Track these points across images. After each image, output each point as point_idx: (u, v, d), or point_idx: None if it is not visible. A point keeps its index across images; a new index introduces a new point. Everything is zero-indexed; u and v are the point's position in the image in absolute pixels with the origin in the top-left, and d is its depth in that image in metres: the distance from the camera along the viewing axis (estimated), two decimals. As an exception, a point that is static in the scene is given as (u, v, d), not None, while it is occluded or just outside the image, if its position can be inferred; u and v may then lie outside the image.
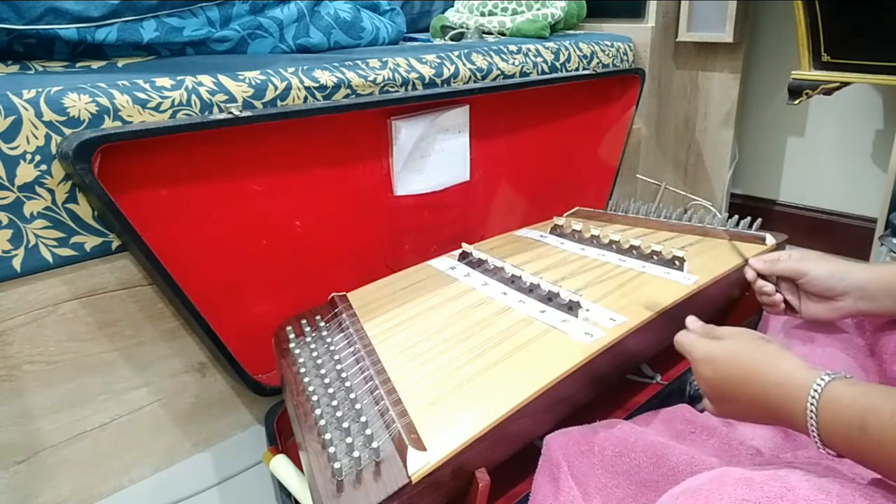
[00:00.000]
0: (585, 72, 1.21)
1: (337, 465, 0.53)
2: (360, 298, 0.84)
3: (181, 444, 0.80)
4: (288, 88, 0.80)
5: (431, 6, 1.52)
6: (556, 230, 1.06)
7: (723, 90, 1.55)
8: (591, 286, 0.82)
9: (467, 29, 1.30)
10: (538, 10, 1.32)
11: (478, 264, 0.91)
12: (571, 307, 0.74)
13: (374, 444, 0.54)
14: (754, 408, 0.51)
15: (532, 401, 0.60)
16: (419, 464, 0.52)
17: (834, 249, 1.56)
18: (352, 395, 0.62)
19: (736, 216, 1.00)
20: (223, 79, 0.75)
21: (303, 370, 0.69)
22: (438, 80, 0.98)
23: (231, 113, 0.71)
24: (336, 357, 0.70)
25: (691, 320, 0.62)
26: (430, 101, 0.92)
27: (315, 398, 0.63)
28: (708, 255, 0.90)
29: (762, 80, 1.60)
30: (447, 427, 0.57)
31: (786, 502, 0.39)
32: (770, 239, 0.93)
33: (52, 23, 0.71)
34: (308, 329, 0.78)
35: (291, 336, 0.76)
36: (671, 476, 0.56)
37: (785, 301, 0.73)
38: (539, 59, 1.16)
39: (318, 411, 0.61)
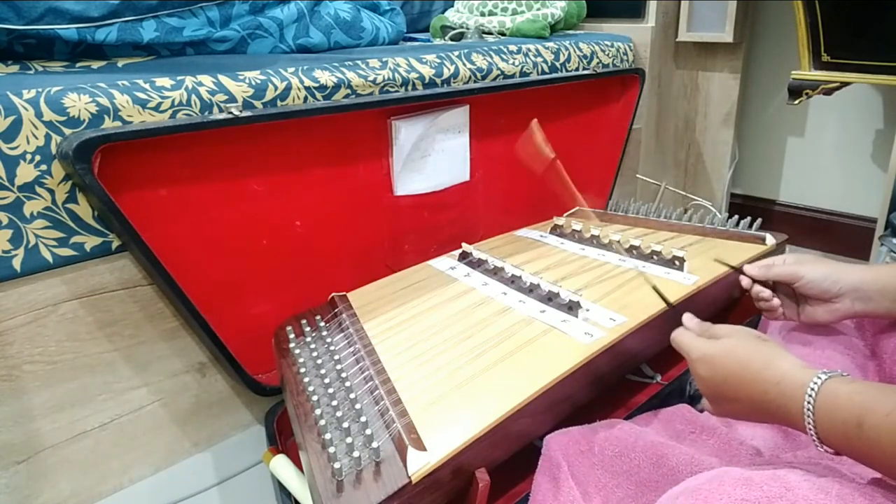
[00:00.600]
0: (585, 72, 1.21)
1: (337, 465, 0.53)
2: (360, 298, 0.84)
3: (181, 444, 0.80)
4: (288, 88, 0.80)
5: (431, 6, 1.52)
6: (556, 230, 1.06)
7: (723, 90, 1.55)
8: (591, 286, 0.82)
9: (467, 29, 1.30)
10: (538, 10, 1.32)
11: (478, 264, 0.91)
12: (571, 307, 0.74)
13: (374, 444, 0.54)
14: (752, 407, 0.51)
15: (532, 401, 0.60)
16: (419, 464, 0.52)
17: (834, 249, 1.56)
18: (352, 395, 0.62)
19: (736, 216, 1.00)
20: (223, 79, 0.75)
21: (303, 370, 0.69)
22: (438, 80, 0.98)
23: (231, 113, 0.71)
24: (336, 357, 0.70)
25: (688, 318, 0.62)
26: (430, 101, 0.92)
27: (315, 398, 0.63)
28: (708, 256, 0.90)
29: (762, 80, 1.60)
30: (447, 427, 0.57)
31: (785, 502, 0.39)
32: (770, 239, 0.93)
33: (52, 23, 0.71)
34: (308, 329, 0.78)
35: (291, 336, 0.76)
36: (671, 476, 0.56)
37: (784, 304, 0.73)
38: (539, 59, 1.16)
39: (318, 411, 0.61)
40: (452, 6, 1.49)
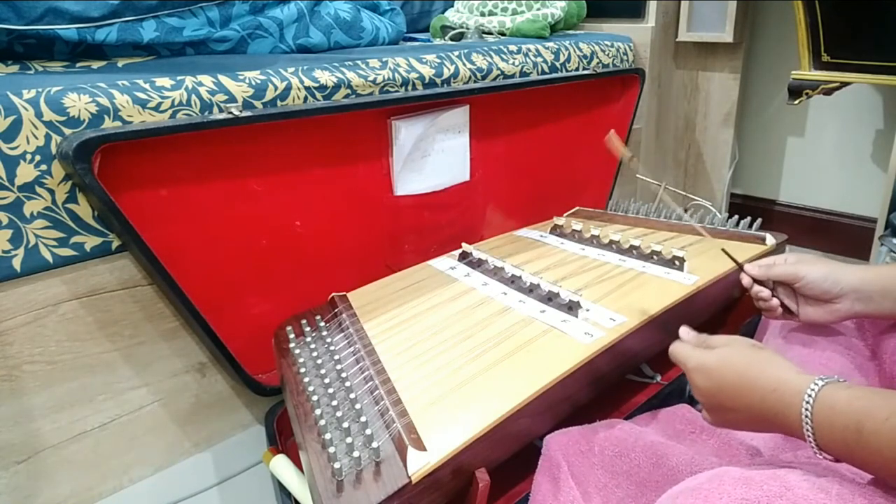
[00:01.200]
0: (585, 72, 1.21)
1: (337, 465, 0.53)
2: (360, 298, 0.84)
3: (181, 444, 0.80)
4: (288, 88, 0.80)
5: (431, 6, 1.52)
6: (556, 230, 1.06)
7: (723, 90, 1.55)
8: (591, 286, 0.82)
9: (467, 29, 1.30)
10: (538, 10, 1.32)
11: (478, 264, 0.91)
12: (571, 307, 0.74)
13: (374, 444, 0.54)
14: (750, 415, 0.51)
15: (532, 401, 0.60)
16: (419, 464, 0.52)
17: (834, 249, 1.56)
18: (352, 395, 0.62)
19: (736, 216, 1.01)
20: (223, 79, 0.75)
21: (303, 370, 0.69)
22: (438, 80, 0.98)
23: (231, 113, 0.71)
24: (336, 357, 0.70)
25: (684, 331, 0.62)
26: (430, 101, 0.92)
27: (315, 398, 0.63)
28: (708, 255, 0.90)
29: (762, 80, 1.60)
30: (447, 427, 0.57)
31: (785, 501, 0.39)
32: (770, 239, 0.93)
33: (52, 23, 0.71)
34: (308, 329, 0.78)
35: (291, 336, 0.76)
36: (671, 476, 0.56)
37: (783, 305, 0.72)
38: (539, 59, 1.16)
39: (318, 411, 0.61)
40: (452, 6, 1.49)
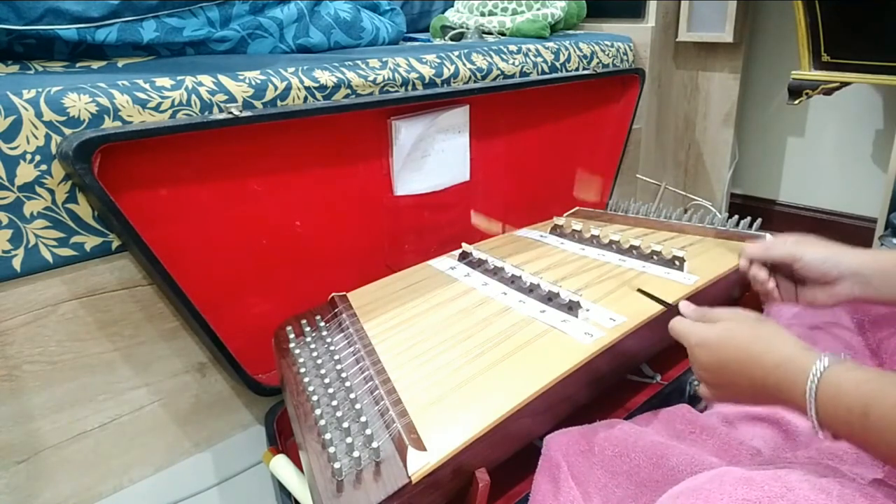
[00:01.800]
0: (585, 72, 1.21)
1: (337, 465, 0.53)
2: (360, 298, 0.84)
3: (181, 444, 0.80)
4: (288, 88, 0.80)
5: (431, 6, 1.52)
6: (556, 230, 1.06)
7: (723, 90, 1.55)
8: (591, 286, 0.82)
9: (467, 29, 1.30)
10: (538, 10, 1.32)
11: (478, 264, 0.91)
12: (571, 307, 0.74)
13: (374, 444, 0.54)
14: (753, 390, 0.50)
15: (532, 401, 0.60)
16: (419, 464, 0.52)
17: (834, 249, 1.56)
18: (352, 395, 0.62)
19: (736, 216, 1.01)
20: (223, 79, 0.75)
21: (303, 370, 0.69)
22: (438, 80, 0.98)
23: (231, 113, 0.71)
24: (336, 357, 0.70)
25: (685, 305, 0.61)
26: (430, 101, 0.92)
27: (315, 398, 0.63)
28: (708, 255, 0.90)
29: (762, 80, 1.60)
30: (447, 427, 0.57)
31: (786, 502, 0.39)
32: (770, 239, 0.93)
33: (52, 23, 0.71)
34: (308, 329, 0.78)
35: (291, 336, 0.76)
36: (671, 476, 0.56)
37: (781, 287, 0.71)
38: (539, 59, 1.16)
39: (318, 411, 0.61)
40: (452, 6, 1.49)
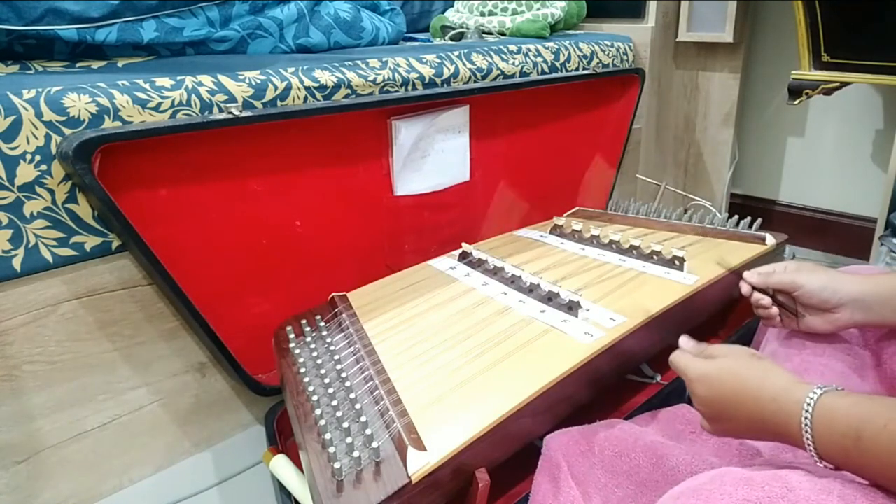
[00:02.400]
0: (585, 72, 1.21)
1: (337, 465, 0.53)
2: (360, 298, 0.84)
3: (181, 444, 0.80)
4: (288, 88, 0.80)
5: (431, 6, 1.52)
6: (556, 230, 1.06)
7: (723, 90, 1.55)
8: (591, 286, 0.82)
9: (467, 29, 1.30)
10: (538, 10, 1.32)
11: (478, 264, 0.91)
12: (571, 307, 0.74)
13: (374, 444, 0.54)
14: (750, 425, 0.51)
15: (532, 401, 0.60)
16: (419, 464, 0.52)
17: (834, 249, 1.56)
18: (352, 395, 0.62)
19: (736, 216, 1.00)
20: (223, 79, 0.75)
21: (303, 370, 0.69)
22: (438, 80, 0.98)
23: (231, 113, 0.71)
24: (336, 357, 0.70)
25: (685, 339, 0.62)
26: (430, 101, 0.92)
27: (315, 398, 0.63)
28: (708, 255, 0.90)
29: (762, 80, 1.60)
30: (447, 427, 0.57)
31: (787, 502, 0.39)
32: (770, 239, 0.93)
33: (52, 23, 0.71)
34: (308, 329, 0.78)
35: (291, 336, 0.76)
36: (671, 476, 0.56)
37: (783, 312, 0.72)
38: (539, 59, 1.16)
39: (318, 411, 0.61)
40: (452, 6, 1.49)
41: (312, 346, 0.74)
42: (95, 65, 0.76)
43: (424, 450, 0.54)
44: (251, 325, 0.82)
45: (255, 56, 0.90)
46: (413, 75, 0.94)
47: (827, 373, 0.67)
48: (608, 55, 1.32)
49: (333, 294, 0.84)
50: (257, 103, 0.77)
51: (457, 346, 0.70)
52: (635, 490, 0.58)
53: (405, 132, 0.91)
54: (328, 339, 0.75)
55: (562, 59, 1.21)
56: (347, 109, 0.81)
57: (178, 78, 0.72)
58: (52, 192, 0.64)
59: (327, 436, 0.56)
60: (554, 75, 1.16)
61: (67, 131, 0.63)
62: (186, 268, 0.71)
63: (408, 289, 0.86)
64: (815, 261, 1.56)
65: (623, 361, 0.77)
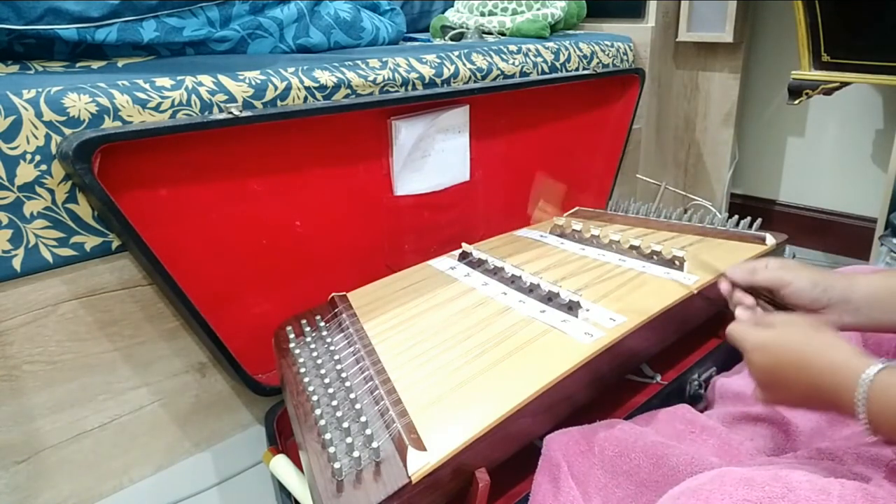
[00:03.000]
0: (585, 72, 1.21)
1: (337, 465, 0.53)
2: (360, 298, 0.84)
3: (181, 444, 0.80)
4: (288, 88, 0.80)
5: (431, 6, 1.52)
6: (556, 230, 1.06)
7: (723, 90, 1.55)
8: (591, 286, 0.82)
9: (467, 29, 1.30)
10: (538, 10, 1.32)
11: (478, 264, 0.91)
12: (571, 307, 0.74)
13: (374, 444, 0.54)
14: (805, 394, 0.51)
15: (532, 401, 0.60)
16: (419, 464, 0.52)
17: (834, 249, 1.56)
18: (352, 395, 0.62)
19: (736, 216, 1.00)
20: (223, 79, 0.75)
21: (303, 370, 0.69)
22: (438, 80, 0.98)
23: (231, 113, 0.71)
24: (336, 357, 0.70)
25: (741, 310, 0.61)
26: (430, 101, 0.92)
27: (315, 398, 0.63)
28: (708, 256, 0.89)
29: (762, 80, 1.60)
30: (447, 427, 0.57)
31: (787, 502, 0.39)
32: (770, 239, 0.93)
33: (52, 23, 0.71)
34: (308, 329, 0.78)
35: (291, 336, 0.76)
36: (671, 476, 0.56)
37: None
38: (539, 59, 1.16)
39: (318, 411, 0.61)
40: (452, 6, 1.49)
41: (312, 346, 0.74)
42: (95, 65, 0.76)
43: (424, 450, 0.54)
44: (251, 325, 0.82)
45: (255, 56, 0.90)
46: (413, 75, 0.94)
47: None
48: (608, 55, 1.32)
49: (333, 294, 0.84)
50: (257, 103, 0.77)
51: (457, 346, 0.70)
52: (635, 490, 0.58)
53: (405, 132, 0.91)
54: (328, 339, 0.75)
55: (562, 59, 1.21)
56: (347, 109, 0.81)
57: (178, 78, 0.72)
58: (52, 192, 0.64)
59: (327, 436, 0.56)
60: (554, 75, 1.16)
61: (67, 131, 0.63)
62: (186, 268, 0.71)
63: (408, 289, 0.86)
64: (816, 261, 1.56)
65: (623, 361, 0.77)
